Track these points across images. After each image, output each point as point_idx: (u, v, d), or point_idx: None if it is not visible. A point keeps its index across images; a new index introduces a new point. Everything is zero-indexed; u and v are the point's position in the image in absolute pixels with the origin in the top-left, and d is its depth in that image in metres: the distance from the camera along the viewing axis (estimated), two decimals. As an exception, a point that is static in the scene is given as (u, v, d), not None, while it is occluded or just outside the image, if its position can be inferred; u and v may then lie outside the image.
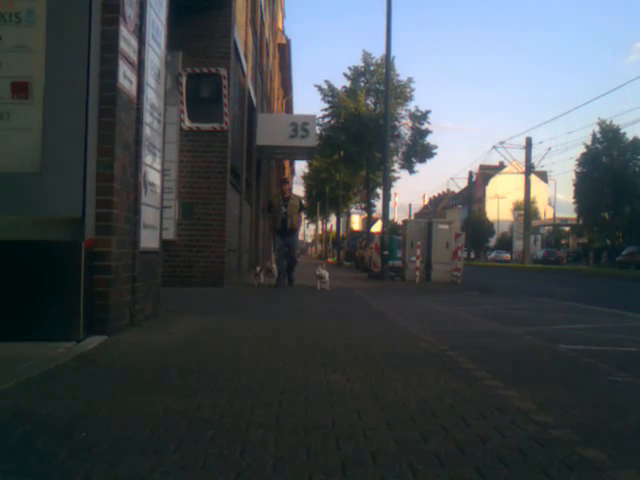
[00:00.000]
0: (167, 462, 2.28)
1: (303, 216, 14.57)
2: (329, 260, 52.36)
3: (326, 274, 12.83)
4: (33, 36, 4.73)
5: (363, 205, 52.43)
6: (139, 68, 5.68)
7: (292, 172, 49.22)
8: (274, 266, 13.92)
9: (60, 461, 2.27)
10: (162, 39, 6.61)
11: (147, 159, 6.07)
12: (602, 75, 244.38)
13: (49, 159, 4.72)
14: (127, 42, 5.27)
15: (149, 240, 6.25)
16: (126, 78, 5.28)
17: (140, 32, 5.68)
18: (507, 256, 77.95)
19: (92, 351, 4.54)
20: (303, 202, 14.64)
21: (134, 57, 5.51)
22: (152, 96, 6.21)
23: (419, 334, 6.12)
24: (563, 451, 2.55)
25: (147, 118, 6.03)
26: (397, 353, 4.95)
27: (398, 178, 42.28)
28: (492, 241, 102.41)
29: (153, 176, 6.37)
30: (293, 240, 13.62)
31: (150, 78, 6.11)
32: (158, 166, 6.61)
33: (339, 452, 2.46)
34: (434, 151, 35.61)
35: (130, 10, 5.32)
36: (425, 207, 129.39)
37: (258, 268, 13.91)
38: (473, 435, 2.73)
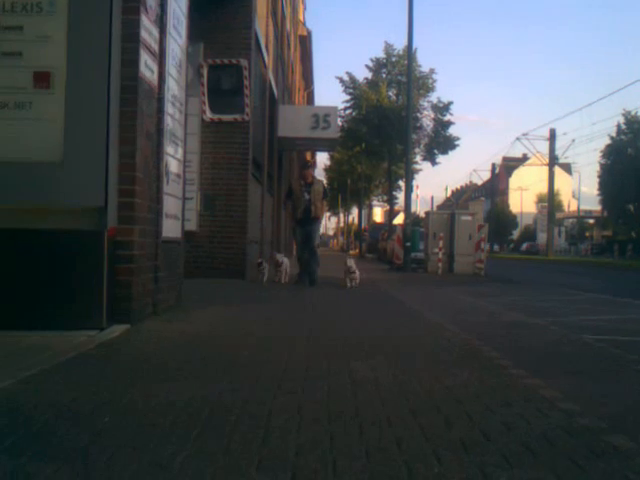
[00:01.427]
0: (190, 447, 2.27)
1: (326, 204, 13.52)
2: (351, 252, 52.31)
3: (356, 268, 11.02)
4: (55, 26, 4.73)
5: (385, 197, 52.31)
6: (160, 58, 5.68)
7: (314, 164, 49.13)
8: (285, 259, 12.18)
9: (83, 446, 2.26)
10: (183, 29, 6.60)
11: (169, 149, 6.08)
12: (627, 66, 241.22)
13: (71, 149, 4.73)
14: (148, 31, 5.26)
15: (171, 230, 6.25)
16: (147, 67, 5.27)
17: (161, 22, 5.67)
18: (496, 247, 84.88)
19: (115, 339, 4.55)
20: (326, 187, 12.86)
21: (155, 47, 5.51)
22: (174, 86, 6.21)
23: (443, 324, 6.07)
24: (590, 438, 2.51)
25: (169, 108, 6.02)
26: (421, 343, 4.91)
27: (420, 170, 42.12)
28: (515, 233, 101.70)
29: (175, 166, 6.38)
30: (314, 227, 11.83)
31: (171, 68, 6.10)
32: (180, 156, 6.62)
33: (363, 438, 2.43)
34: (456, 142, 35.33)
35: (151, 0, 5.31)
36: (447, 199, 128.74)
37: (261, 261, 11.94)
38: (498, 422, 2.69)
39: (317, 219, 11.88)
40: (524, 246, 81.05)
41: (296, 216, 11.76)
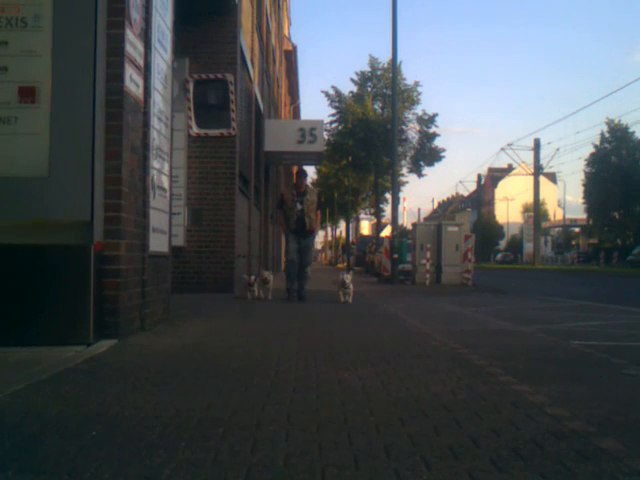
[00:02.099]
0: (177, 459, 2.26)
1: (320, 214, 11.62)
2: (339, 266, 52.30)
3: (350, 282, 10.38)
4: (39, 40, 4.73)
5: (372, 210, 52.44)
6: (145, 71, 5.68)
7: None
8: (271, 276, 11.30)
9: (70, 459, 2.25)
10: (168, 43, 6.62)
11: (155, 163, 6.07)
12: (609, 74, 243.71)
13: (57, 163, 4.72)
14: (133, 45, 5.27)
15: (158, 244, 6.24)
16: (132, 81, 5.28)
17: (146, 36, 5.68)
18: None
19: (102, 354, 4.53)
20: (320, 197, 11.87)
21: (140, 61, 5.52)
22: (159, 100, 6.21)
23: (431, 334, 6.08)
24: (579, 442, 2.52)
25: (155, 122, 6.02)
26: (409, 352, 4.91)
27: (407, 182, 42.54)
28: (502, 244, 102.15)
29: (161, 180, 6.37)
30: (308, 243, 11.04)
31: (157, 82, 6.11)
32: (166, 171, 6.61)
33: (351, 447, 2.43)
34: (442, 154, 35.69)
35: (136, 14, 5.33)
36: (434, 211, 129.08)
37: (252, 277, 11.04)
38: (487, 429, 2.70)
39: (312, 232, 11.00)
40: (499, 256, 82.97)
41: (290, 226, 10.91)
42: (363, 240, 49.33)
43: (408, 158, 36.05)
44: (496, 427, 2.72)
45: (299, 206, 10.76)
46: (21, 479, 2.05)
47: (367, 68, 37.20)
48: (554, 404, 3.15)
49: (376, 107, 36.66)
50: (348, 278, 10.38)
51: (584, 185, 65.63)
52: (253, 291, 10.77)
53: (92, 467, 2.16)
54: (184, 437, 2.51)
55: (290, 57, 36.02)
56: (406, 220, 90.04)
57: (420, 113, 35.57)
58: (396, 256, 17.89)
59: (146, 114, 5.72)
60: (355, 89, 37.16)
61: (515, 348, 5.26)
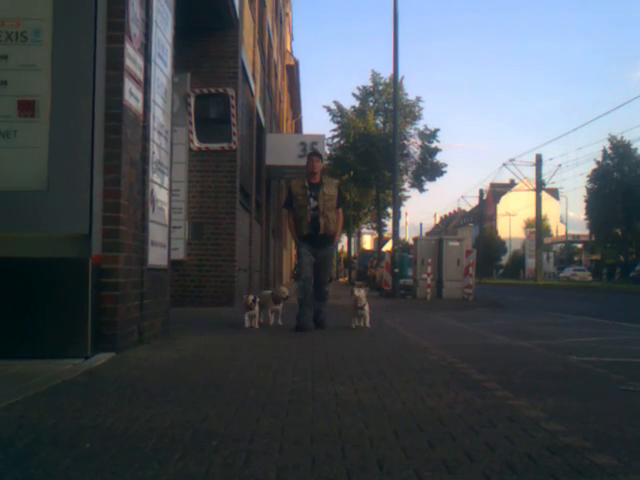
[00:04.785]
0: (170, 471, 2.25)
1: (342, 213, 8.35)
2: (340, 280, 52.26)
3: (365, 301, 8.10)
4: (39, 55, 4.77)
5: (374, 225, 52.46)
6: (145, 85, 5.71)
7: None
8: (285, 290, 8.72)
9: (63, 470, 2.24)
10: (168, 58, 6.65)
11: (154, 176, 6.09)
12: (611, 90, 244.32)
13: (56, 176, 4.74)
14: (133, 60, 5.30)
15: (157, 258, 6.25)
16: (132, 95, 5.31)
17: (146, 50, 5.72)
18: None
19: (99, 367, 4.52)
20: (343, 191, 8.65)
21: (140, 75, 5.55)
22: (159, 114, 6.24)
23: (430, 348, 6.07)
24: (574, 457, 2.50)
25: (155, 136, 6.05)
26: (407, 366, 4.90)
27: (408, 197, 42.37)
28: (504, 259, 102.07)
29: (161, 194, 6.39)
30: (326, 254, 8.33)
31: (157, 96, 6.14)
32: (166, 184, 6.63)
33: (345, 460, 2.42)
34: (444, 169, 35.62)
35: (135, 28, 5.36)
36: (436, 226, 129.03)
37: (250, 298, 8.14)
38: (482, 443, 2.69)
39: (331, 238, 8.28)
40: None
41: (300, 232, 8.22)
42: (365, 255, 49.37)
43: (410, 173, 36.01)
44: (491, 441, 2.71)
45: (313, 202, 8.06)
46: (12, 491, 2.05)
47: (369, 83, 37.30)
48: (550, 419, 3.14)
49: (378, 122, 36.68)
50: (362, 294, 8.06)
51: (586, 201, 65.73)
52: (253, 316, 8.12)
53: (84, 479, 2.16)
54: (178, 449, 2.51)
55: (292, 72, 36.18)
56: (408, 235, 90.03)
57: (422, 128, 35.54)
58: (397, 270, 17.91)
59: (146, 128, 5.74)
60: (357, 104, 37.20)
61: (513, 363, 5.25)
